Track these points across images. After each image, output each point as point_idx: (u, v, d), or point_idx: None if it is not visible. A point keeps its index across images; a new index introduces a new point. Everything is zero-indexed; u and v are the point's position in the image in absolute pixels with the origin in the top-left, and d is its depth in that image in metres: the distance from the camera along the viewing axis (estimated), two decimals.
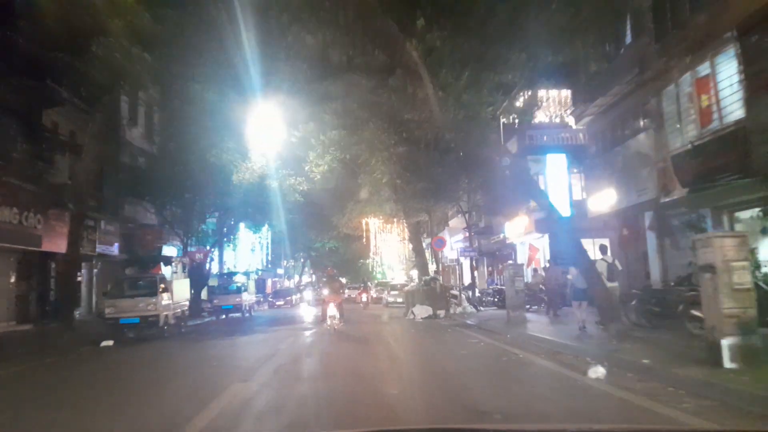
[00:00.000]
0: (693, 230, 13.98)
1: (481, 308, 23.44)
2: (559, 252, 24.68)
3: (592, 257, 14.17)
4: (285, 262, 63.34)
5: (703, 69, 12.84)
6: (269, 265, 45.05)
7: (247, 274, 32.67)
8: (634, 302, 13.39)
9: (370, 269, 60.49)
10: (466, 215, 32.80)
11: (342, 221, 41.29)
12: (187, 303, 20.37)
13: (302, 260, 67.13)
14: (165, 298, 16.74)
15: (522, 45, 11.80)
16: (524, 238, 26.73)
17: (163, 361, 12.16)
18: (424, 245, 38.50)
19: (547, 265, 24.21)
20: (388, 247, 52.89)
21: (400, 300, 33.08)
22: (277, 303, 39.76)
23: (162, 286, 16.80)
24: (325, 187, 37.40)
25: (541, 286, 22.65)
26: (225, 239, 32.43)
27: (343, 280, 41.59)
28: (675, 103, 14.14)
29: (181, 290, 18.93)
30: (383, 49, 13.32)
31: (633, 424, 5.37)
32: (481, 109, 13.37)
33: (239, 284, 29.46)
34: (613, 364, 8.46)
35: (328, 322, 17.52)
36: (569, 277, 16.21)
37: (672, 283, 14.49)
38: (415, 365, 10.18)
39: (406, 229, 45.08)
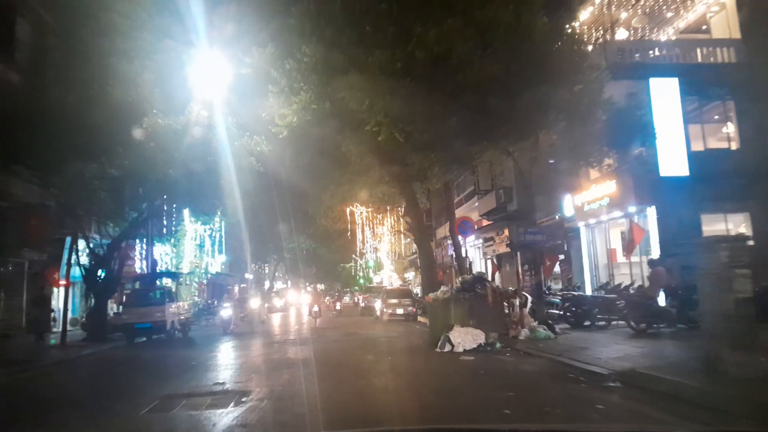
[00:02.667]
0: None
1: (558, 329, 12.97)
2: (673, 236, 14.48)
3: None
4: (254, 265, 52.19)
5: None
6: (223, 266, 34.25)
7: (176, 276, 21.68)
8: None
9: (353, 273, 50.00)
10: (499, 192, 22.49)
11: (321, 210, 30.73)
12: None
13: (274, 264, 56.03)
14: None
15: None
16: (605, 216, 16.39)
17: None
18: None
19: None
20: (379, 243, 42.19)
21: (400, 311, 22.70)
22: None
23: None
24: (297, 162, 26.90)
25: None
26: (151, 227, 21.42)
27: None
28: None
29: None
30: None
31: (633, 424, 5.11)
32: None
33: (165, 291, 18.53)
34: None
35: (313, 315, 22.27)
36: None
37: None
38: None
39: (401, 220, 34.59)
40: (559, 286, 19.92)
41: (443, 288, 12.78)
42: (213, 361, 11.67)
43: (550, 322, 13.13)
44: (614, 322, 14.06)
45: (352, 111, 17.73)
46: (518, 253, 22.52)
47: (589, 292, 16.98)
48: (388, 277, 45.20)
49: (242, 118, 20.15)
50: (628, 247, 14.14)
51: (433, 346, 11.91)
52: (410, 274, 41.05)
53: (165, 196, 19.79)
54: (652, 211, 14.59)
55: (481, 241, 27.17)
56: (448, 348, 11.37)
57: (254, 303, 23.01)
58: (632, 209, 15.03)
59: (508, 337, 12.30)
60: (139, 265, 24.98)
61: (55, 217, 19.47)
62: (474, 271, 17.30)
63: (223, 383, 8.22)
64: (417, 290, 31.52)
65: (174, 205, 27.23)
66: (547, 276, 21.14)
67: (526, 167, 14.22)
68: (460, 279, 12.57)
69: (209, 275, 27.22)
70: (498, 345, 11.60)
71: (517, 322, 12.76)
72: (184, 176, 18.49)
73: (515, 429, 3.69)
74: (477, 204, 25.92)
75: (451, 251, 32.35)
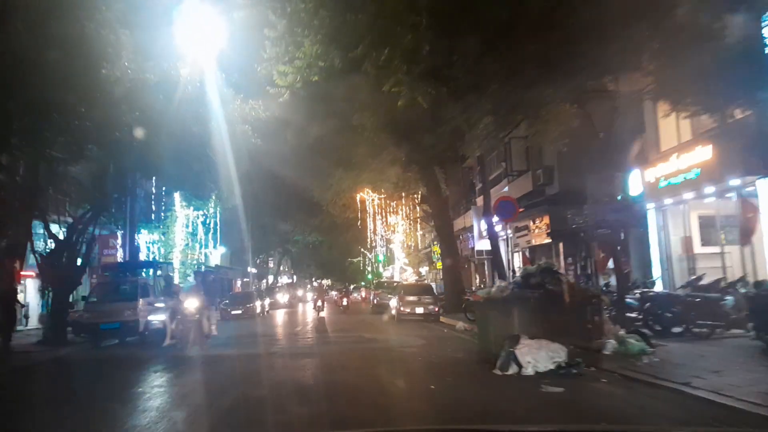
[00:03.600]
0: None
1: (653, 340, 9.27)
2: None
3: None
4: (258, 259, 48.64)
5: None
6: (222, 258, 30.71)
7: (156, 266, 18.04)
8: None
9: (362, 268, 46.33)
10: (537, 172, 18.85)
11: (328, 196, 27.10)
12: None
13: (279, 257, 52.48)
14: None
15: None
16: (690, 193, 12.64)
17: None
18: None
19: None
20: (392, 235, 38.47)
21: (420, 310, 19.17)
22: (234, 312, 25.37)
23: None
24: (301, 141, 23.46)
25: None
26: (130, 209, 17.79)
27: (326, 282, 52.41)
28: None
29: None
30: None
31: (633, 424, 4.98)
32: None
33: (139, 284, 14.89)
34: None
35: (317, 309, 23.45)
36: None
37: None
38: None
39: (417, 208, 30.91)
40: (614, 282, 16.18)
41: (500, 283, 9.09)
42: (168, 385, 8.03)
43: (644, 330, 9.45)
44: (718, 330, 10.38)
45: (366, 71, 14.16)
46: (561, 244, 18.84)
47: (658, 289, 13.29)
48: (400, 272, 41.54)
49: (235, 76, 16.55)
50: (744, 231, 10.42)
51: (487, 364, 8.25)
52: (424, 269, 37.40)
53: (144, 168, 16.12)
54: (763, 185, 10.84)
55: (510, 231, 23.43)
56: (513, 369, 7.70)
57: (192, 304, 12.60)
58: (735, 182, 11.28)
59: (589, 351, 8.59)
60: (122, 255, 21.47)
61: (15, 196, 15.91)
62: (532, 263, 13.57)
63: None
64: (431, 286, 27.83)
65: (163, 188, 23.71)
66: (599, 271, 17.44)
67: (603, 123, 10.47)
68: (521, 271, 8.92)
69: (203, 267, 23.75)
70: (582, 364, 7.93)
71: (595, 330, 9.08)
72: (167, 145, 14.84)
73: (515, 429, 3.53)
74: (507, 189, 22.20)
75: (471, 243, 28.61)
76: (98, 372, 9.84)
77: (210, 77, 15.46)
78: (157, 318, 13.42)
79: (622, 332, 9.23)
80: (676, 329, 10.89)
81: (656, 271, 14.47)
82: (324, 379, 7.52)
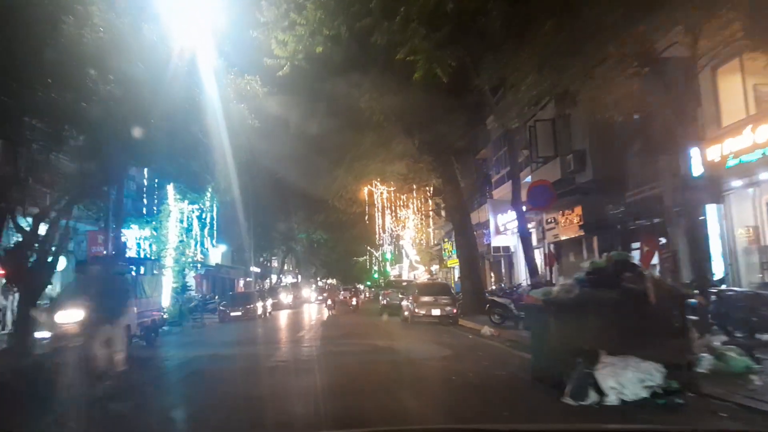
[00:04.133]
0: None
1: (758, 353, 7.10)
2: None
3: None
4: (261, 258, 46.56)
5: None
6: (222, 257, 28.57)
7: (137, 261, 16.03)
8: None
9: (368, 266, 44.18)
10: (567, 157, 16.74)
11: (333, 189, 25.06)
12: None
13: (283, 256, 50.32)
14: None
15: None
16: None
17: None
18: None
19: None
20: (402, 230, 36.36)
21: (436, 312, 17.14)
22: (232, 314, 23.39)
23: None
24: (304, 128, 21.57)
25: None
26: (112, 199, 15.73)
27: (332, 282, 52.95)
28: None
29: None
30: None
31: (633, 425, 4.77)
32: None
33: (115, 283, 12.75)
34: None
35: (328, 308, 25.30)
36: None
37: None
38: None
39: (429, 201, 28.75)
40: None
41: (563, 282, 6.96)
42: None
43: (738, 337, 7.32)
44: None
45: (376, 42, 12.22)
46: (595, 238, 16.66)
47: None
48: (409, 270, 39.43)
49: (227, 47, 14.38)
50: None
51: (547, 387, 6.14)
52: (435, 266, 35.27)
53: (128, 151, 13.98)
54: None
55: (533, 223, 21.25)
56: (592, 398, 5.59)
57: (68, 316, 8.83)
58: None
59: (678, 368, 6.43)
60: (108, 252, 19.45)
61: None
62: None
63: None
64: None
65: (155, 180, 21.66)
66: (644, 267, 15.22)
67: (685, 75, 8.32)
68: (589, 264, 6.80)
69: (198, 265, 21.76)
70: (678, 390, 5.82)
71: (684, 341, 6.94)
72: (152, 125, 12.70)
73: (515, 429, 3.39)
74: (530, 178, 19.99)
75: (488, 239, 26.48)
76: (32, 400, 7.56)
77: (198, 41, 13.33)
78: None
79: (717, 343, 7.12)
80: (766, 336, 8.78)
81: (717, 267, 12.30)
82: (335, 416, 5.38)
